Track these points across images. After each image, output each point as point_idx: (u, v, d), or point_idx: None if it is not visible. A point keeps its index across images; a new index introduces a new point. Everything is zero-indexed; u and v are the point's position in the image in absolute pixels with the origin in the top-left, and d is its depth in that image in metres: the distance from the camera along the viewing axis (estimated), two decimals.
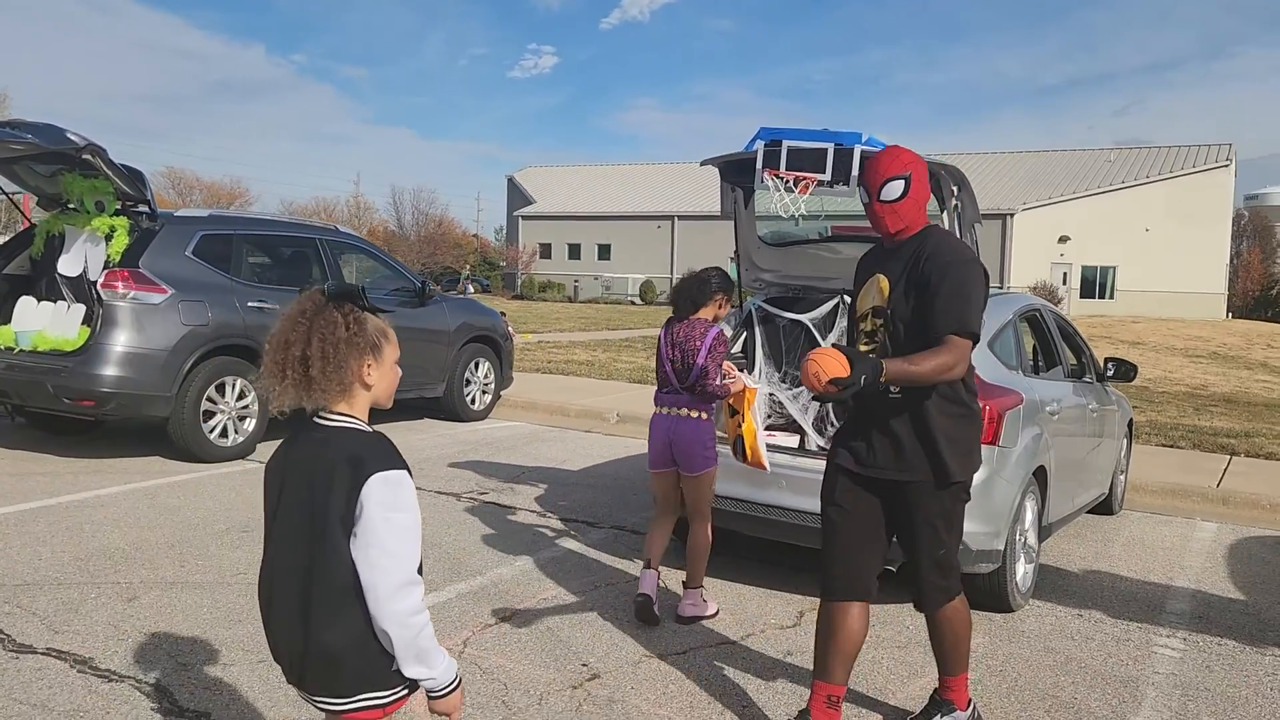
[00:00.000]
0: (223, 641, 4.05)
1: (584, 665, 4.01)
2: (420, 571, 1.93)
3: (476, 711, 3.54)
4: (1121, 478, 7.39)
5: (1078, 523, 6.81)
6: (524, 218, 61.22)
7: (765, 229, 5.51)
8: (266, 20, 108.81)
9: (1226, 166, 47.27)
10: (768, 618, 4.70)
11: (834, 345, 3.14)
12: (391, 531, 1.86)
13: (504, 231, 74.72)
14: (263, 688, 3.64)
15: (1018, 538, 4.87)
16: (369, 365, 1.99)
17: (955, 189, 4.60)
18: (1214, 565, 5.97)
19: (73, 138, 6.67)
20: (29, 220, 8.12)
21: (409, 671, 1.91)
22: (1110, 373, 6.72)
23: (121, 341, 6.90)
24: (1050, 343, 5.93)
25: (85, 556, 5.07)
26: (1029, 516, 5.03)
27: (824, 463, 4.76)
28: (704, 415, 4.50)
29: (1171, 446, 9.84)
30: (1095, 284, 47.70)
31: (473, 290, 51.56)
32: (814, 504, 4.63)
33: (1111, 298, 47.05)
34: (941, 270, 3.03)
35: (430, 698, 1.96)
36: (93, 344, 6.87)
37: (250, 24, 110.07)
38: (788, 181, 4.56)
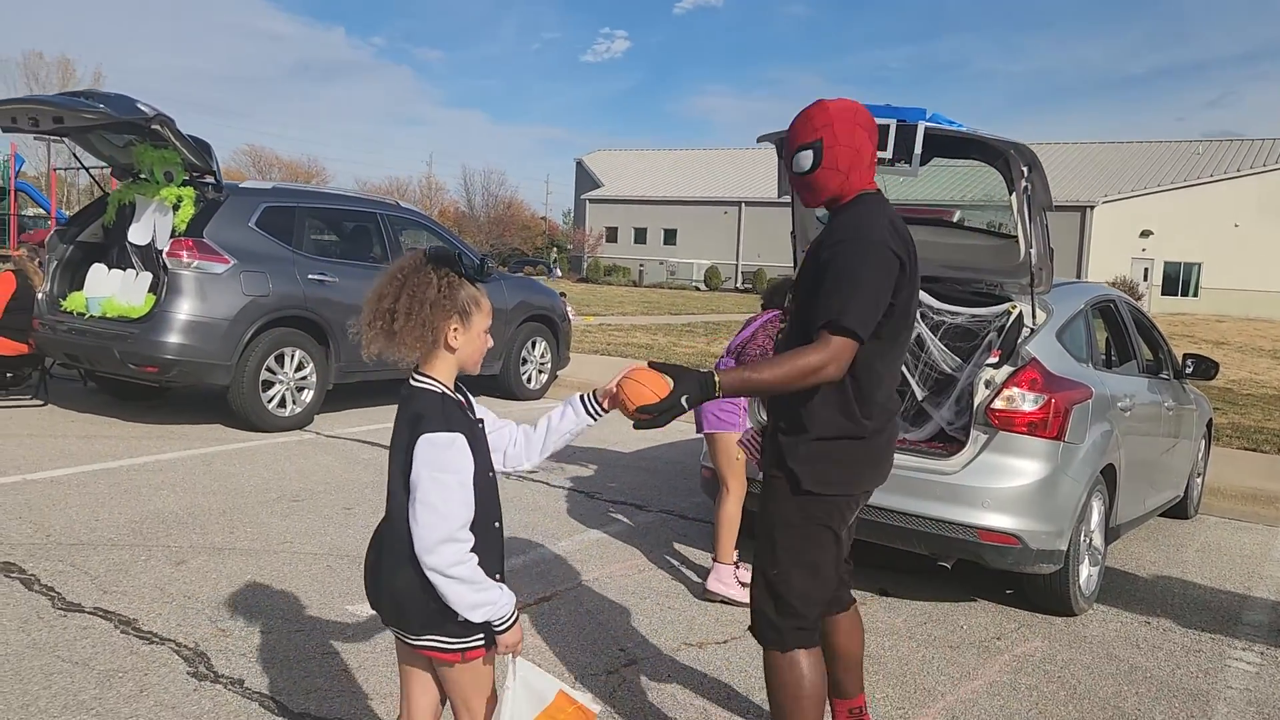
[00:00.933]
0: (263, 609, 4.05)
1: (621, 650, 3.93)
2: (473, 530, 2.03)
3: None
4: (1198, 480, 7.07)
5: (1149, 526, 6.52)
6: (591, 201, 61.26)
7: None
8: (347, 3, 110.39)
9: None
10: None
11: (652, 362, 2.46)
12: (435, 488, 1.97)
13: (571, 214, 74.93)
14: (298, 657, 3.62)
15: (1082, 538, 4.65)
16: (455, 329, 2.08)
17: (1025, 169, 4.38)
18: None
19: (143, 108, 6.75)
20: (106, 192, 8.27)
21: (468, 617, 2.03)
22: (1190, 370, 6.41)
23: (185, 310, 6.98)
24: (1125, 336, 5.67)
25: (139, 519, 5.13)
26: (1095, 517, 4.80)
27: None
28: None
29: (1254, 450, 9.41)
30: (1178, 281, 46.17)
31: (559, 273, 51.76)
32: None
33: (1195, 295, 45.50)
34: (831, 251, 2.53)
35: (494, 632, 2.09)
36: (157, 311, 6.97)
37: (331, 6, 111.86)
38: None
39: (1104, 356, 5.80)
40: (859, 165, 2.61)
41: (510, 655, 2.14)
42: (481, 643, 2.10)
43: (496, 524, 2.17)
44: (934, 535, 4.42)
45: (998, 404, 4.41)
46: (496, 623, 2.06)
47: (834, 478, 2.61)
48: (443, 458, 1.99)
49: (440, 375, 2.10)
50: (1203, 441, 7.00)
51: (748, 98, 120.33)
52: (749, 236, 53.36)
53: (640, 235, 59.22)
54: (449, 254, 2.11)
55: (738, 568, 4.67)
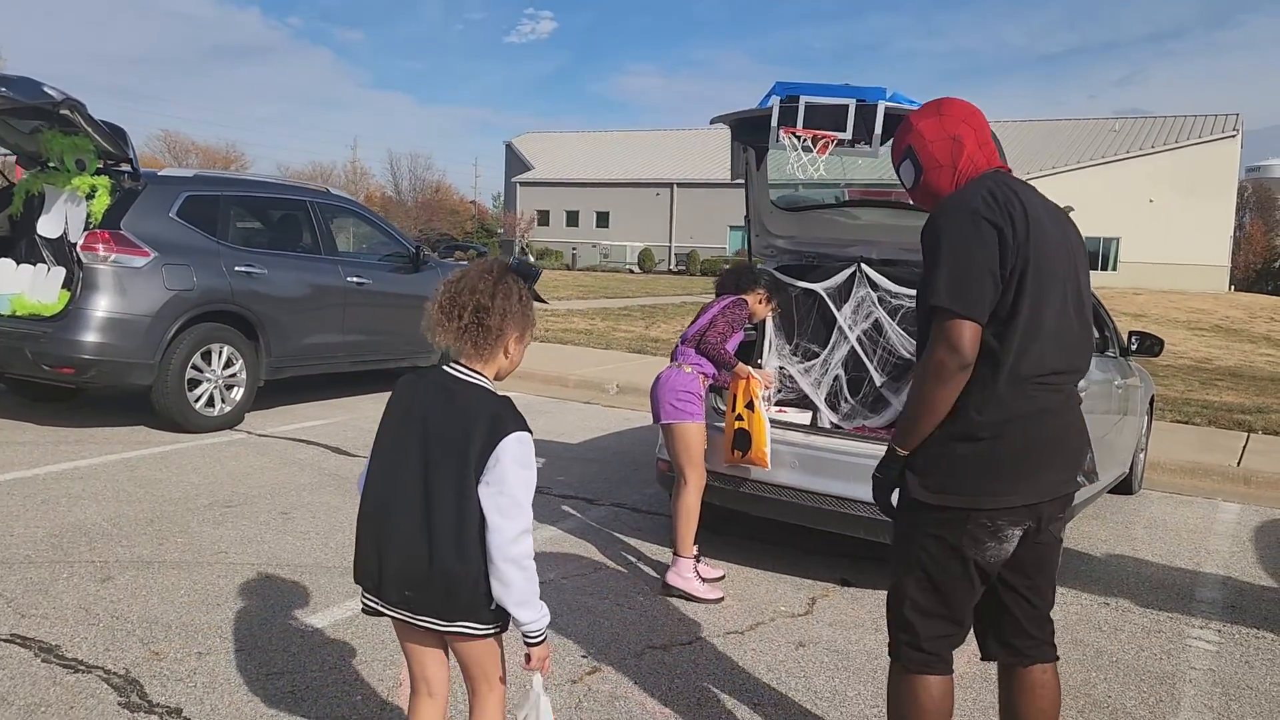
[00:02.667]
0: (199, 627, 3.80)
1: (584, 657, 3.76)
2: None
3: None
4: (1141, 456, 7.14)
5: (1097, 503, 6.56)
6: (522, 184, 60.66)
7: (778, 193, 5.20)
8: None
9: (1233, 137, 46.80)
10: (778, 604, 4.45)
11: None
12: (520, 484, 2.09)
13: (501, 198, 74.12)
14: (239, 679, 3.39)
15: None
16: (517, 340, 2.23)
17: None
18: (1241, 550, 5.73)
19: (50, 92, 6.34)
20: (10, 182, 7.79)
21: (516, 614, 2.12)
22: (1135, 347, 6.45)
23: (102, 306, 6.60)
24: None
25: (59, 532, 4.81)
26: None
27: (837, 441, 4.54)
28: (685, 367, 4.41)
29: (1186, 423, 9.59)
30: (1099, 256, 47.34)
31: (533, 259, 50.99)
32: (825, 484, 4.41)
33: (1115, 269, 46.70)
34: (921, 240, 2.38)
35: (528, 642, 2.16)
36: (72, 309, 6.57)
37: None
38: (805, 140, 4.26)
39: None
40: (962, 151, 2.45)
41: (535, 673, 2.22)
42: (496, 631, 2.22)
43: None
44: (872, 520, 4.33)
45: None
46: (535, 634, 2.15)
47: (946, 486, 2.30)
48: (528, 455, 2.12)
49: (490, 375, 2.22)
50: (1146, 417, 7.06)
51: (674, 77, 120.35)
52: (681, 218, 53.33)
53: (572, 218, 58.81)
54: (532, 270, 2.27)
55: (698, 561, 4.55)
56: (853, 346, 5.01)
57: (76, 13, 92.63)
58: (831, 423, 5.01)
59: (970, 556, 2.32)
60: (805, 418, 4.97)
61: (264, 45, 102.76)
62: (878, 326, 4.96)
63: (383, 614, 2.25)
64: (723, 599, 4.44)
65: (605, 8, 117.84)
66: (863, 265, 4.99)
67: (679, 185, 53.24)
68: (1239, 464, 7.65)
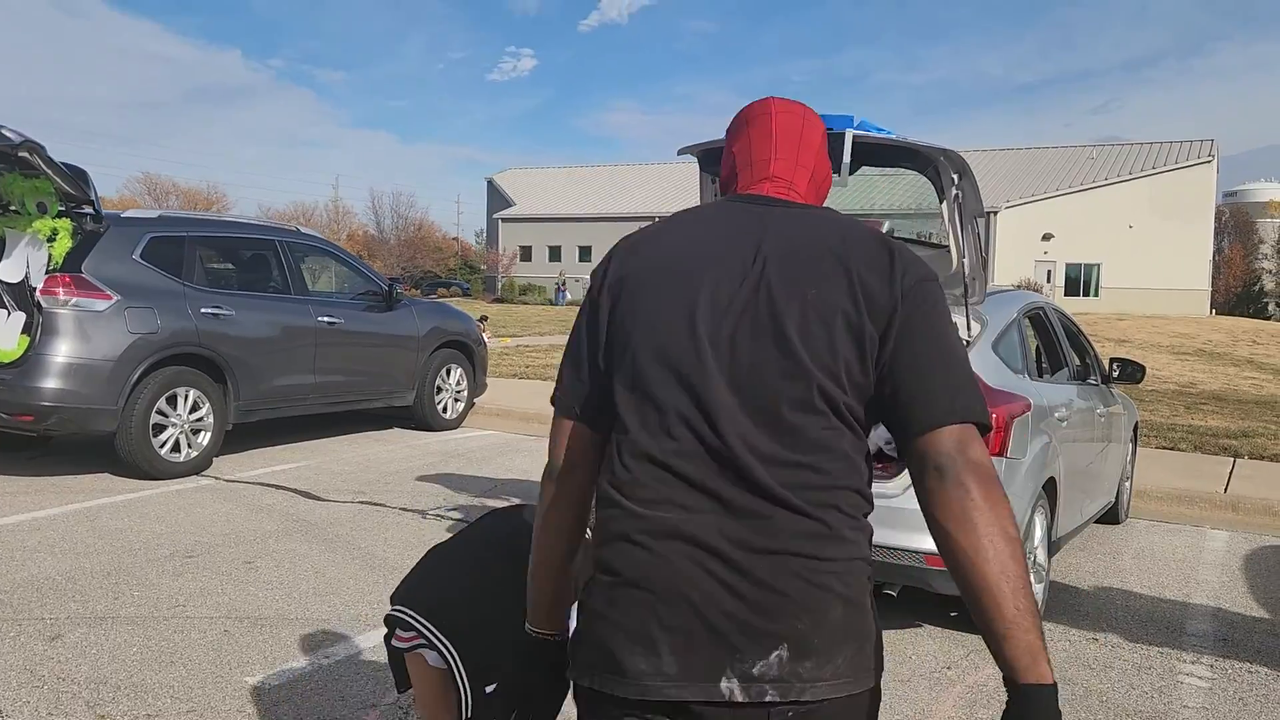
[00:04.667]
0: (149, 687, 3.62)
1: None
2: None
3: None
4: (1127, 484, 7.03)
5: (1084, 534, 6.44)
6: (504, 220, 60.75)
7: None
8: (243, 24, 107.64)
9: (1209, 163, 47.30)
10: None
11: None
12: None
13: (484, 234, 74.16)
14: None
15: (1027, 556, 4.48)
16: None
17: (956, 177, 4.22)
18: (1231, 579, 5.60)
19: (8, 134, 6.21)
20: None
21: None
22: (1117, 374, 6.36)
23: (62, 352, 6.44)
24: (1055, 343, 5.56)
25: (10, 589, 4.62)
26: (1038, 533, 4.65)
27: None
28: None
29: (1171, 449, 9.50)
30: (1080, 282, 47.63)
31: (569, 297, 50.59)
32: None
33: (1096, 295, 46.96)
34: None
35: None
36: (31, 355, 6.41)
37: (227, 28, 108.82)
38: None
39: (1036, 365, 5.69)
40: (724, 167, 1.82)
41: None
42: None
43: None
44: (878, 562, 4.18)
45: None
46: None
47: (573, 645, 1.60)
48: None
49: None
50: (1131, 445, 6.97)
51: (656, 113, 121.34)
52: None
53: (555, 253, 58.86)
54: None
55: None
56: None
57: (57, 58, 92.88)
58: None
59: None
60: None
61: (246, 87, 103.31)
62: None
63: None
64: None
65: (585, 46, 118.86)
66: None
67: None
68: (1225, 490, 7.55)
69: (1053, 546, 5.03)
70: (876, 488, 4.04)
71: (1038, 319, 5.54)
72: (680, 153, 4.59)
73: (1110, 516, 6.71)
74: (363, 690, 3.67)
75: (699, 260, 1.55)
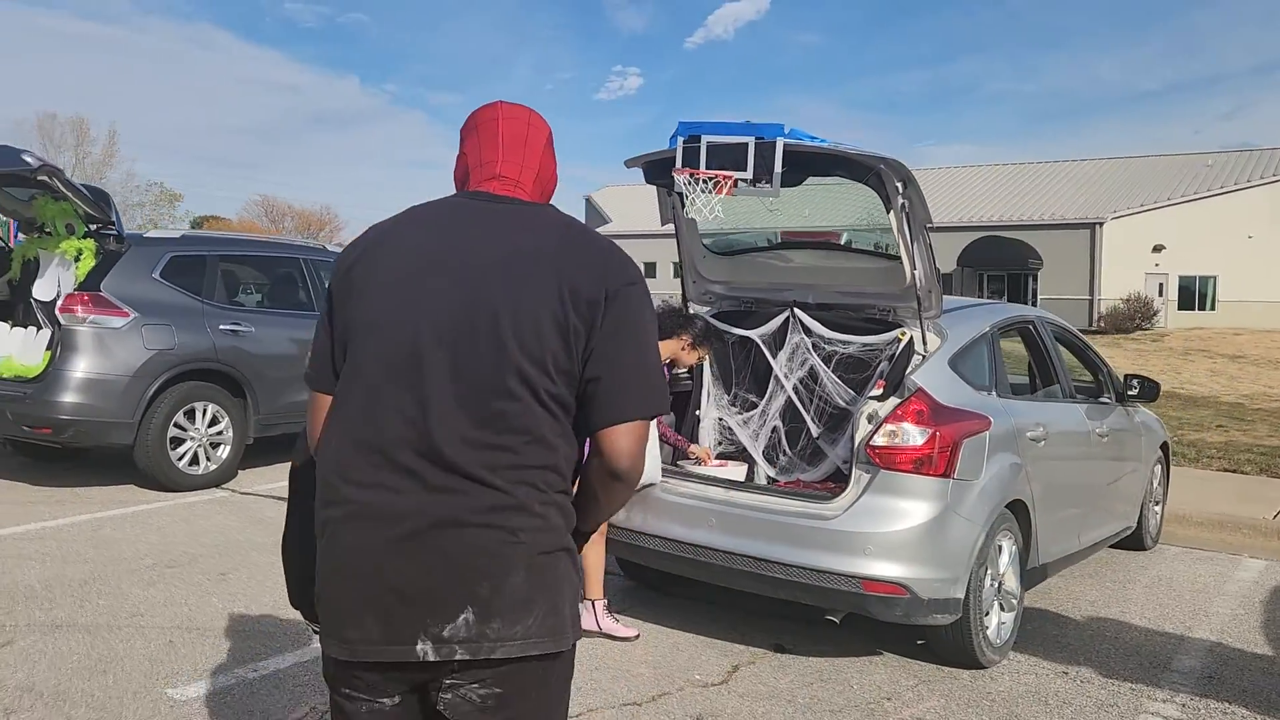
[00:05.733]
0: (71, 695, 3.70)
1: None
2: None
3: None
4: (1156, 508, 6.62)
5: (1098, 560, 6.08)
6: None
7: (710, 237, 5.00)
8: (361, 52, 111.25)
9: None
10: (693, 672, 4.16)
11: None
12: None
13: None
14: None
15: (986, 584, 4.24)
16: None
17: (901, 185, 4.03)
18: (1246, 612, 5.20)
19: (28, 159, 6.53)
20: (8, 245, 8.05)
21: None
22: (1134, 392, 6.00)
23: (80, 367, 6.71)
24: (1046, 359, 5.26)
25: None
26: (1004, 559, 4.39)
27: (768, 499, 4.26)
28: None
29: (1234, 471, 8.92)
30: (1195, 295, 45.34)
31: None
32: (744, 545, 4.15)
33: (1213, 309, 44.61)
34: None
35: None
36: (51, 370, 6.70)
37: (345, 56, 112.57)
38: (705, 181, 4.06)
39: (1025, 382, 5.41)
40: (456, 166, 1.96)
41: None
42: None
43: None
44: (815, 587, 4.03)
45: (879, 440, 4.02)
46: None
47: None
48: None
49: None
50: (1158, 467, 6.55)
51: None
52: None
53: (650, 269, 59.01)
54: None
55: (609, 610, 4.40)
56: (789, 396, 4.74)
57: (189, 88, 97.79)
58: (769, 477, 4.74)
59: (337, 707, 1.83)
60: (741, 473, 4.70)
61: (362, 111, 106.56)
62: (813, 374, 4.68)
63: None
64: (638, 635, 4.42)
65: (691, 62, 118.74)
66: (796, 310, 4.74)
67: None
68: (1275, 517, 7.03)
69: (1034, 573, 4.76)
70: (814, 508, 3.88)
71: (1026, 334, 5.26)
72: (628, 164, 4.52)
73: (1133, 542, 6.32)
74: (273, 705, 3.69)
75: (427, 262, 1.72)
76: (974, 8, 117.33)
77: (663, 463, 4.72)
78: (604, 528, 4.23)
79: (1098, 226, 43.07)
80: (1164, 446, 6.66)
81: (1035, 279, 42.20)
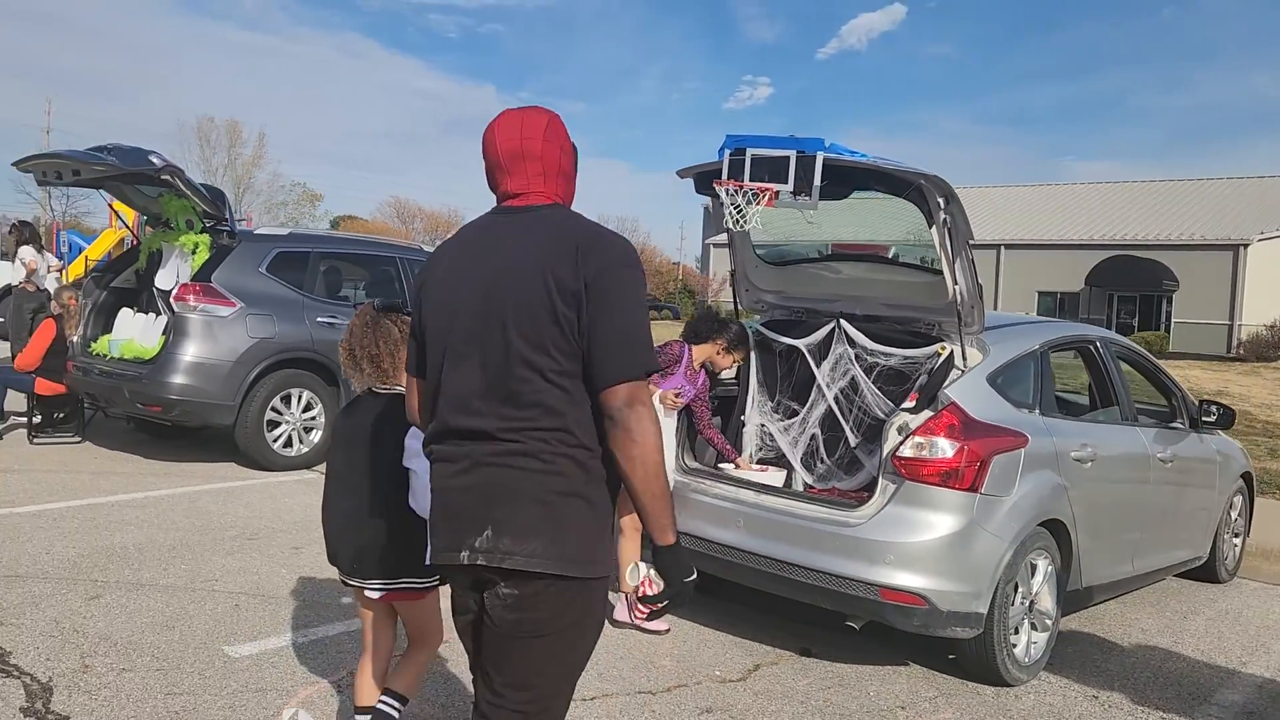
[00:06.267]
0: (140, 646, 4.08)
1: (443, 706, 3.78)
2: None
3: None
4: (1235, 540, 6.38)
5: (1161, 589, 5.92)
6: (715, 245, 61.25)
7: (764, 247, 5.11)
8: (497, 61, 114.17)
9: None
10: (715, 668, 4.28)
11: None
12: (416, 441, 2.63)
13: (700, 260, 75.18)
14: (140, 695, 3.62)
15: (1015, 601, 4.23)
16: None
17: (943, 201, 4.07)
18: None
19: (153, 160, 7.09)
20: (137, 238, 8.73)
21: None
22: (1211, 418, 5.82)
23: (189, 351, 7.25)
24: (1107, 381, 5.18)
25: (87, 554, 5.28)
26: (1037, 578, 4.37)
27: (796, 504, 4.36)
28: None
29: None
30: None
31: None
32: (769, 547, 4.25)
33: None
34: None
35: None
36: (163, 353, 7.26)
37: (483, 65, 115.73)
38: (746, 192, 4.18)
39: (1086, 403, 5.33)
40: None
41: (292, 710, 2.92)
42: (436, 582, 2.87)
43: None
44: (835, 592, 4.10)
45: (906, 451, 4.08)
46: None
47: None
48: None
49: (403, 382, 2.78)
50: (1238, 498, 6.32)
51: (890, 139, 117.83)
52: None
53: None
54: (393, 303, 3.01)
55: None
56: (829, 405, 4.81)
57: (335, 95, 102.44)
58: (805, 484, 4.82)
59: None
60: (780, 479, 4.80)
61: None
62: (854, 385, 4.75)
63: (348, 585, 2.94)
64: (669, 630, 4.59)
65: (822, 73, 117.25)
66: (841, 321, 4.81)
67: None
68: None
69: (1078, 595, 4.71)
70: (839, 515, 4.00)
71: (1087, 354, 5.19)
72: (680, 175, 4.67)
73: (1206, 573, 6.12)
74: (314, 667, 3.99)
75: (460, 277, 2.20)
76: (1121, 18, 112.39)
77: (704, 465, 4.86)
78: (637, 523, 4.39)
79: (1241, 248, 40.79)
80: (1246, 476, 6.41)
81: (1170, 301, 40.24)
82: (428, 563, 2.28)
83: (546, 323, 2.05)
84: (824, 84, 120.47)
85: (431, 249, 9.33)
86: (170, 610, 4.53)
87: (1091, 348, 5.18)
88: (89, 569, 5.03)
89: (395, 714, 2.94)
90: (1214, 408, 5.84)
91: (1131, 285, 40.51)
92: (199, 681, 3.79)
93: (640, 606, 4.47)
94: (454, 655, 4.07)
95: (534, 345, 2.06)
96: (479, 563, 2.08)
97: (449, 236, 2.38)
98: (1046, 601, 4.44)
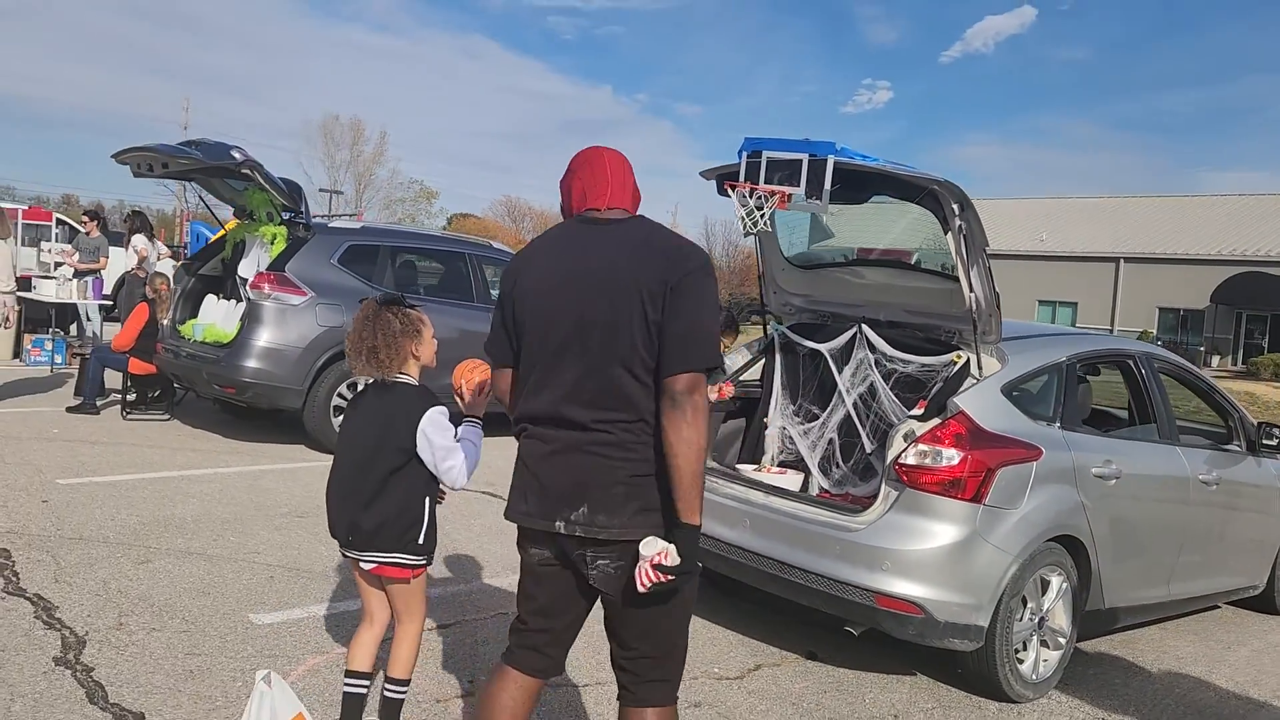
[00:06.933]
0: (173, 609, 4.36)
1: (469, 682, 3.92)
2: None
3: (330, 709, 3.57)
4: None
5: (1213, 618, 5.70)
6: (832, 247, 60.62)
7: (793, 250, 5.12)
8: (615, 63, 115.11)
9: None
10: (715, 664, 4.34)
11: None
12: (442, 440, 3.01)
13: None
14: (163, 653, 3.88)
15: (1024, 617, 4.16)
16: (415, 346, 3.11)
17: (958, 208, 4.04)
18: None
19: (235, 155, 7.50)
20: (224, 229, 9.22)
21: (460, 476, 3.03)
22: (1275, 442, 5.58)
23: (262, 337, 7.64)
24: (1145, 397, 5.02)
25: (147, 523, 5.64)
26: (1049, 595, 4.29)
27: (801, 507, 4.37)
28: None
29: None
30: None
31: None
32: (771, 548, 4.29)
33: None
34: None
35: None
36: (239, 338, 7.66)
37: (601, 67, 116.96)
38: (759, 195, 4.23)
39: (1125, 418, 5.18)
40: (568, 200, 2.66)
41: (264, 672, 2.85)
42: (425, 563, 3.09)
43: None
44: (833, 596, 4.11)
45: (909, 459, 4.06)
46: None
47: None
48: (443, 421, 3.02)
49: (413, 373, 3.12)
50: None
51: (1013, 146, 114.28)
52: None
53: None
54: (394, 296, 3.18)
55: None
56: (848, 410, 4.81)
57: (457, 95, 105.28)
58: (821, 487, 4.82)
59: (526, 562, 2.63)
60: (797, 482, 4.82)
61: (612, 119, 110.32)
62: (873, 390, 4.73)
63: (347, 556, 3.16)
64: None
65: (944, 77, 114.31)
66: (863, 327, 4.79)
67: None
68: None
69: (1100, 616, 4.59)
70: (841, 519, 4.04)
71: (1126, 369, 5.04)
72: (703, 175, 4.74)
73: (1263, 604, 5.87)
74: (329, 638, 4.20)
75: (555, 281, 2.49)
76: (1262, 21, 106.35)
77: (721, 465, 4.91)
78: None
79: None
80: None
81: None
82: (506, 518, 2.60)
83: (638, 326, 2.37)
84: (946, 88, 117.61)
85: (500, 246, 9.61)
86: (209, 578, 4.82)
87: (1130, 363, 5.03)
88: (145, 536, 5.38)
89: (399, 697, 3.18)
90: (1276, 430, 5.60)
91: (1262, 303, 38.46)
92: (218, 644, 4.04)
93: (651, 573, 4.52)
94: (470, 637, 4.23)
95: (627, 346, 2.38)
96: (576, 533, 2.44)
97: (538, 239, 2.65)
98: (1060, 619, 4.35)
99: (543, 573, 2.59)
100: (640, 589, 2.37)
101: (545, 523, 2.48)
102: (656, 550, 2.36)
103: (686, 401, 2.32)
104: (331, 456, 3.28)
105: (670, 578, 2.35)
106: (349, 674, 3.22)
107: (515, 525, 2.59)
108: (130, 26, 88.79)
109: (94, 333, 11.68)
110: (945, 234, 4.14)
